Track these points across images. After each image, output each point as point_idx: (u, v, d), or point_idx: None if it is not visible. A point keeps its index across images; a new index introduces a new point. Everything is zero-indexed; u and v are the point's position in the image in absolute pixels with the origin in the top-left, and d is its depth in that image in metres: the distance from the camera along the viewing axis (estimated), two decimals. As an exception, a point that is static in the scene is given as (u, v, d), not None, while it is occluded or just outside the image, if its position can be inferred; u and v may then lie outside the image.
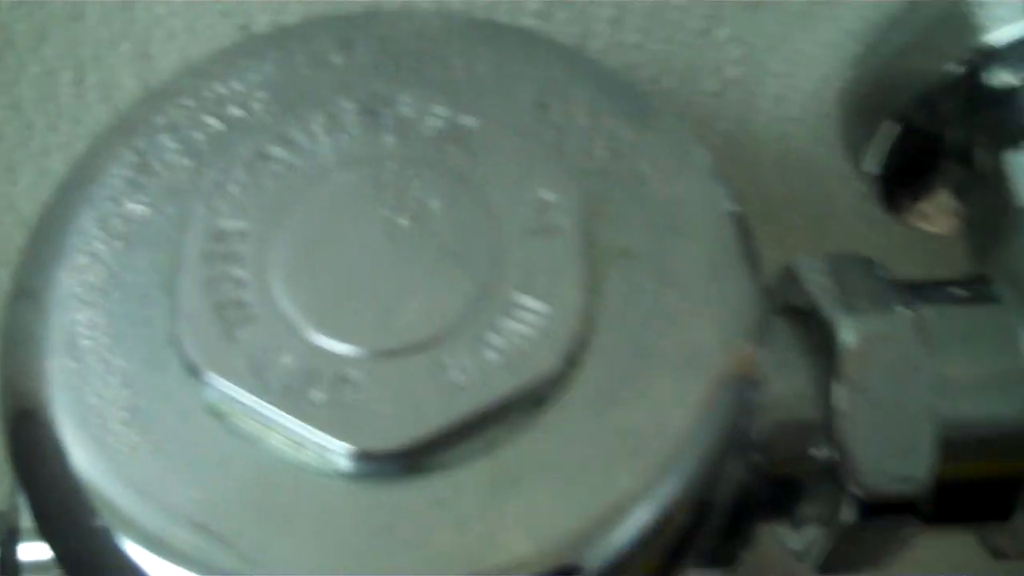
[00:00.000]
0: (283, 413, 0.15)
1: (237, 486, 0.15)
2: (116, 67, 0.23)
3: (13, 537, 0.19)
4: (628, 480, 0.16)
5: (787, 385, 0.20)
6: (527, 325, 0.16)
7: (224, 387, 0.16)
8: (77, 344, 0.16)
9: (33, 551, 0.19)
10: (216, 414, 0.16)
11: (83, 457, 0.15)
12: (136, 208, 0.18)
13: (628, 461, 0.16)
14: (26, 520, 0.19)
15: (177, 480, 0.15)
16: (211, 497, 0.15)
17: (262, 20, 0.23)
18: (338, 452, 0.15)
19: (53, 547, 0.16)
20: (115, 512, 0.15)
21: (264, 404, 0.15)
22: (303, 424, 0.15)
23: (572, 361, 0.16)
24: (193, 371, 0.16)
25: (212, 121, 0.19)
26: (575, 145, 0.19)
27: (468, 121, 0.18)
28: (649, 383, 0.16)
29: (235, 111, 0.19)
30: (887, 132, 0.24)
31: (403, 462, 0.15)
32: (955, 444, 0.19)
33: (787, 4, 0.23)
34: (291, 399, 0.15)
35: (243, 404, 0.16)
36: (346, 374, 0.16)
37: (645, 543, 0.16)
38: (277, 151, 0.18)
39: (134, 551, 0.15)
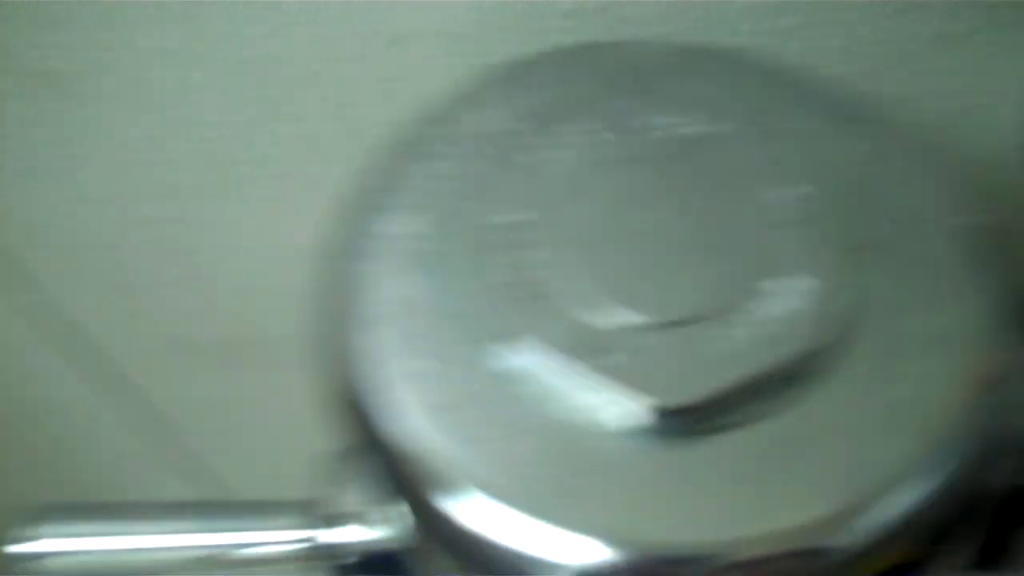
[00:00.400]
0: (588, 373, 0.17)
1: (546, 440, 0.17)
2: (391, 100, 0.26)
3: (331, 522, 0.21)
4: (903, 451, 0.16)
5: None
6: (799, 302, 0.17)
7: (533, 352, 0.17)
8: (393, 323, 0.18)
9: (346, 535, 0.21)
10: (526, 377, 0.17)
11: (410, 417, 0.17)
12: (424, 215, 0.20)
13: (902, 434, 0.17)
14: (341, 506, 0.21)
15: (492, 435, 0.17)
16: (522, 450, 0.16)
17: (496, 59, 0.25)
18: (640, 407, 0.16)
19: (394, 497, 0.18)
20: (439, 463, 0.17)
21: (570, 365, 0.17)
22: (606, 382, 0.17)
23: (842, 336, 0.17)
24: (503, 339, 0.17)
25: (481, 139, 0.21)
26: (820, 150, 0.20)
27: (711, 130, 0.20)
28: (917, 365, 0.17)
29: (500, 126, 0.21)
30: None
31: (697, 417, 0.16)
32: None
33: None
34: (593, 361, 0.17)
35: (551, 366, 0.17)
36: (639, 340, 0.17)
37: (918, 513, 0.16)
38: (546, 157, 0.20)
39: (457, 497, 0.16)
